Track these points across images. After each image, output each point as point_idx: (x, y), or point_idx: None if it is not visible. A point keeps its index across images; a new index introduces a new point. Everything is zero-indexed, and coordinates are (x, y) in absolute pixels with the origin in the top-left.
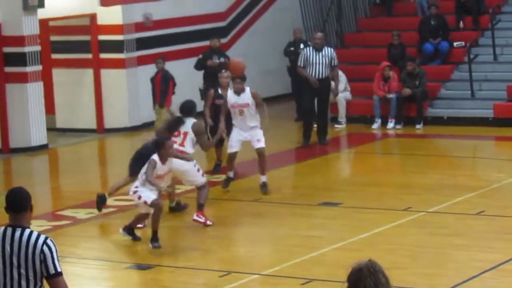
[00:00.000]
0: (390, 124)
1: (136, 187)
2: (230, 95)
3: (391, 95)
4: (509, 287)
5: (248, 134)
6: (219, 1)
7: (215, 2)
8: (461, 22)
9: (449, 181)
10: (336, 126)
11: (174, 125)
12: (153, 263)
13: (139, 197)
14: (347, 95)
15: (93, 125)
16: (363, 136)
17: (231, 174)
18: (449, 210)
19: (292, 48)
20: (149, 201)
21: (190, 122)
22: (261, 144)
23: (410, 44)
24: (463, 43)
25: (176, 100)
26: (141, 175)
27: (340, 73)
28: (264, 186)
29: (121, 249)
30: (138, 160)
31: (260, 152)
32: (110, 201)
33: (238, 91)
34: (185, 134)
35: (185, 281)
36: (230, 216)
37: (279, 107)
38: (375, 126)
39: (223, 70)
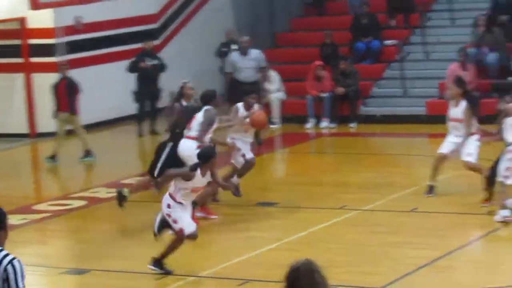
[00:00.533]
0: (324, 123)
1: (169, 205)
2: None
3: (324, 94)
4: (443, 283)
5: (247, 146)
6: (151, 3)
7: (146, 4)
8: (393, 21)
9: (383, 179)
10: (271, 126)
11: (191, 113)
12: (88, 267)
13: (175, 221)
14: (281, 95)
15: (25, 129)
16: (298, 136)
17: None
18: (383, 208)
19: (224, 49)
20: (186, 232)
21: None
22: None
23: (342, 43)
24: (395, 41)
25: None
26: (177, 183)
27: (273, 73)
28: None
29: (56, 254)
30: (164, 162)
31: (253, 162)
32: (44, 206)
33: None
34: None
35: (122, 285)
36: None
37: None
38: (309, 125)
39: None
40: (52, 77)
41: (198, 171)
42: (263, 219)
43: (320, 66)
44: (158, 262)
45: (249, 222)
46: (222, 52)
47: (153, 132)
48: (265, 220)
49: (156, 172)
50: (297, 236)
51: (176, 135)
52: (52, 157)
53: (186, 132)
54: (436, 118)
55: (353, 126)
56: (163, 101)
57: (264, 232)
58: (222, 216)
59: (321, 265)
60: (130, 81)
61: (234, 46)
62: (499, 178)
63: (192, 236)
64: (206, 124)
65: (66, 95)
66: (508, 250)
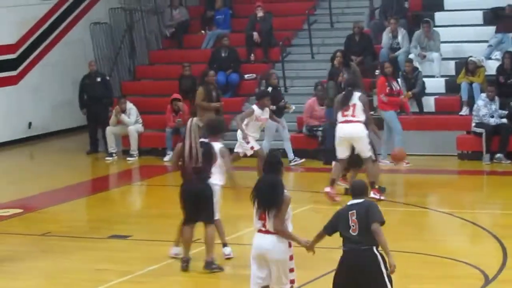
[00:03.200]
0: None
1: None
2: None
3: (183, 128)
4: None
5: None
6: (10, 33)
7: (5, 34)
8: (252, 55)
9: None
10: (128, 159)
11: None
12: None
13: None
14: (139, 127)
15: None
16: (155, 169)
17: None
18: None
19: (87, 81)
20: None
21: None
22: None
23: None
24: (254, 75)
25: None
26: None
27: (131, 105)
28: None
29: None
30: None
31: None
32: None
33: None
34: (354, 105)
35: None
36: (17, 250)
37: (71, 140)
38: (167, 158)
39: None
40: None
41: None
42: (115, 252)
43: (177, 99)
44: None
45: (101, 254)
46: (85, 84)
47: None
48: (117, 253)
49: None
50: (149, 268)
51: None
52: None
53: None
54: (296, 151)
55: None
56: None
57: (115, 265)
58: (74, 248)
59: None
60: None
61: (98, 78)
62: None
63: None
64: None
65: None
66: None
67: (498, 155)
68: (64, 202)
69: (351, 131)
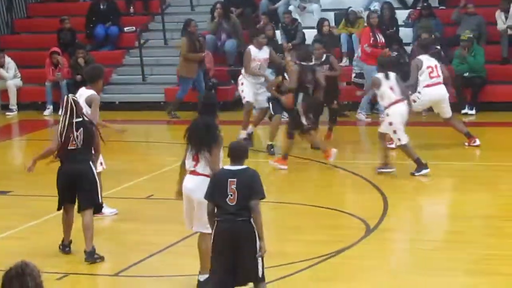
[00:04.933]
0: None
1: None
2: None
3: (63, 81)
4: (177, 266)
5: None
6: None
7: None
8: (132, 7)
9: (121, 166)
10: (8, 113)
11: None
12: None
13: None
14: (18, 81)
15: None
16: (35, 123)
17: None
18: (120, 195)
19: None
20: None
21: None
22: None
23: (81, 29)
24: (134, 27)
25: None
26: None
27: (9, 59)
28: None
29: None
30: None
31: None
32: None
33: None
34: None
35: None
36: None
37: None
38: (47, 112)
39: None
40: None
41: None
42: None
43: (56, 52)
44: None
45: None
46: None
47: None
48: None
49: None
50: (29, 224)
51: None
52: None
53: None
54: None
55: None
56: None
57: None
58: None
59: (37, 269)
60: None
61: None
62: None
63: None
64: None
65: None
66: None
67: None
68: None
69: None
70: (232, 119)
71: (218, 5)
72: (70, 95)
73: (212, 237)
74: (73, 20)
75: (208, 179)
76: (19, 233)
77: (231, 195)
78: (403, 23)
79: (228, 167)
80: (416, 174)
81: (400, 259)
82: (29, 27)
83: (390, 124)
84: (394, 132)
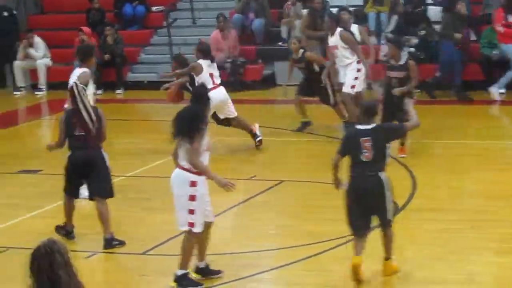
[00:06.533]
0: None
1: None
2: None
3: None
4: None
5: None
6: None
7: None
8: None
9: (147, 145)
10: (37, 93)
11: None
12: None
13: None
14: (47, 61)
15: None
16: (64, 102)
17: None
18: (147, 173)
19: None
20: None
21: None
22: None
23: (108, 8)
24: (162, 7)
25: None
26: None
27: (39, 39)
28: None
29: None
30: None
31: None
32: None
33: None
34: None
35: None
36: None
37: None
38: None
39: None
40: None
41: None
42: (24, 187)
43: (81, 30)
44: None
45: (10, 190)
46: None
47: None
48: (27, 188)
49: None
50: (59, 203)
51: None
52: None
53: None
54: None
55: (119, 92)
56: None
57: (25, 200)
58: None
59: (65, 246)
60: None
61: (5, 13)
62: None
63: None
64: None
65: None
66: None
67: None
68: None
69: None
70: (260, 98)
71: None
72: (78, 82)
73: (347, 191)
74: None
75: (187, 173)
76: (49, 212)
77: (366, 152)
78: (432, 1)
79: (360, 126)
80: None
81: (428, 239)
82: (58, 6)
83: None
84: None
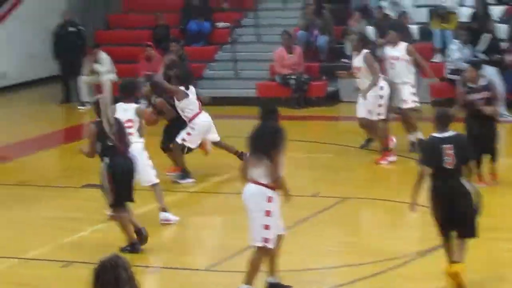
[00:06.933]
0: None
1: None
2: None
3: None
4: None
5: None
6: None
7: None
8: (225, 2)
9: (213, 160)
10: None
11: None
12: None
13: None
14: (112, 76)
15: None
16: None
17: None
18: (212, 190)
19: (61, 31)
20: None
21: None
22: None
23: (174, 25)
24: (228, 23)
25: None
26: None
27: (104, 55)
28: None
29: None
30: None
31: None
32: None
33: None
34: None
35: None
36: None
37: (45, 90)
38: (142, 106)
39: None
40: None
41: None
42: (88, 201)
43: (148, 45)
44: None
45: (74, 203)
46: (59, 34)
47: None
48: (90, 202)
49: None
50: None
51: None
52: None
53: None
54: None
55: None
56: None
57: (88, 214)
58: (47, 197)
59: (127, 261)
60: None
61: (71, 28)
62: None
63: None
64: None
65: None
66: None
67: None
68: (38, 152)
69: None
70: (324, 115)
71: (311, 1)
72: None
73: (431, 197)
74: (167, 15)
75: (264, 188)
76: (109, 227)
77: (448, 159)
78: (498, 19)
79: (437, 134)
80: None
81: (493, 258)
82: (124, 22)
83: None
84: None
